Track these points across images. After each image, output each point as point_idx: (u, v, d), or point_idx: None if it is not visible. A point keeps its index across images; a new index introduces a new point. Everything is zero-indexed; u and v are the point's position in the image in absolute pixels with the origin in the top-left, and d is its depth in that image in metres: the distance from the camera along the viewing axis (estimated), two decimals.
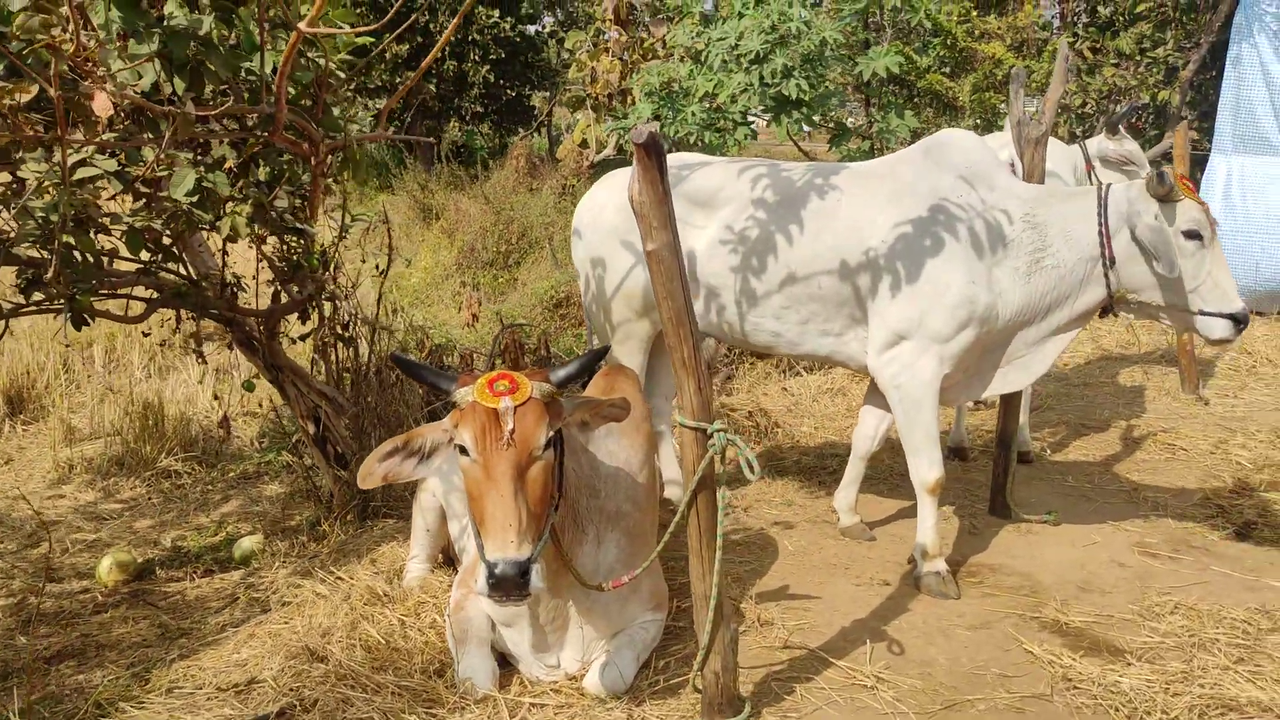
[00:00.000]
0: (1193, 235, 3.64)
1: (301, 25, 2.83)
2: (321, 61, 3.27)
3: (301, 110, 3.27)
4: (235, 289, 4.51)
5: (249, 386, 4.62)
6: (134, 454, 5.93)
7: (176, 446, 6.11)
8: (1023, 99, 4.27)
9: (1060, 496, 4.82)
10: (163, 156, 2.99)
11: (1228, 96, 8.82)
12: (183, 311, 4.50)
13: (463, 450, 2.69)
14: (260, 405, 6.91)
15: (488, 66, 19.10)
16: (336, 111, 3.49)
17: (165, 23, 2.92)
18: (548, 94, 22.72)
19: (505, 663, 3.23)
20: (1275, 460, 5.21)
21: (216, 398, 5.94)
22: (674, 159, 4.42)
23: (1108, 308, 3.85)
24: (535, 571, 2.57)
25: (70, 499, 5.48)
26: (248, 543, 4.65)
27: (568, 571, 2.95)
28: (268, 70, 3.15)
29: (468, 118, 20.18)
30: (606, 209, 4.40)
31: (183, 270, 4.12)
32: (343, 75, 3.46)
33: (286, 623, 3.61)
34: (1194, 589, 3.86)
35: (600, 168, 17.25)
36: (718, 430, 2.66)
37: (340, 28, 3.44)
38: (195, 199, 3.31)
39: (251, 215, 3.46)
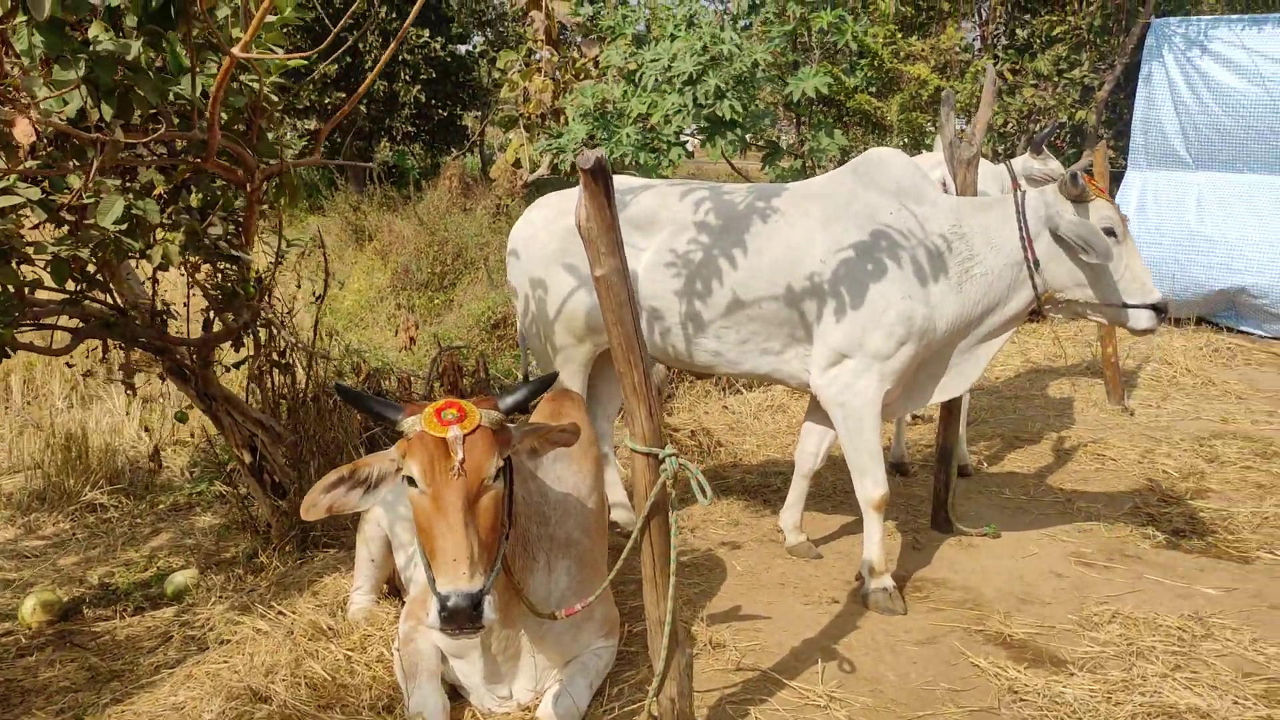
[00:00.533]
0: (1108, 233, 3.78)
1: (235, 50, 2.78)
2: (255, 86, 3.21)
3: (235, 135, 3.20)
4: (165, 317, 4.40)
5: (181, 417, 4.50)
6: (56, 488, 5.73)
7: (102, 479, 5.92)
8: (953, 120, 4.36)
9: (998, 509, 4.91)
10: (90, 184, 2.89)
11: (1140, 114, 9.15)
12: (110, 341, 4.37)
13: (411, 481, 2.64)
14: (191, 435, 6.74)
15: (419, 86, 18.98)
16: (271, 136, 3.42)
17: (91, 47, 2.84)
18: (479, 114, 22.65)
19: (456, 695, 3.18)
20: (1199, 469, 5.38)
21: (146, 429, 5.77)
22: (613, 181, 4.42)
23: (1037, 310, 3.97)
24: (488, 603, 2.54)
25: None
26: (180, 578, 4.52)
27: (519, 601, 2.91)
28: (197, 94, 3.08)
29: (399, 138, 20.01)
30: (545, 230, 4.38)
31: (110, 299, 4.01)
32: (276, 99, 3.40)
33: (226, 661, 3.50)
34: (1129, 598, 3.95)
35: (534, 187, 17.23)
36: (669, 455, 2.65)
37: (273, 51, 3.39)
38: (124, 227, 3.22)
39: (184, 243, 3.37)
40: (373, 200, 16.03)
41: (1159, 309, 3.79)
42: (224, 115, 3.25)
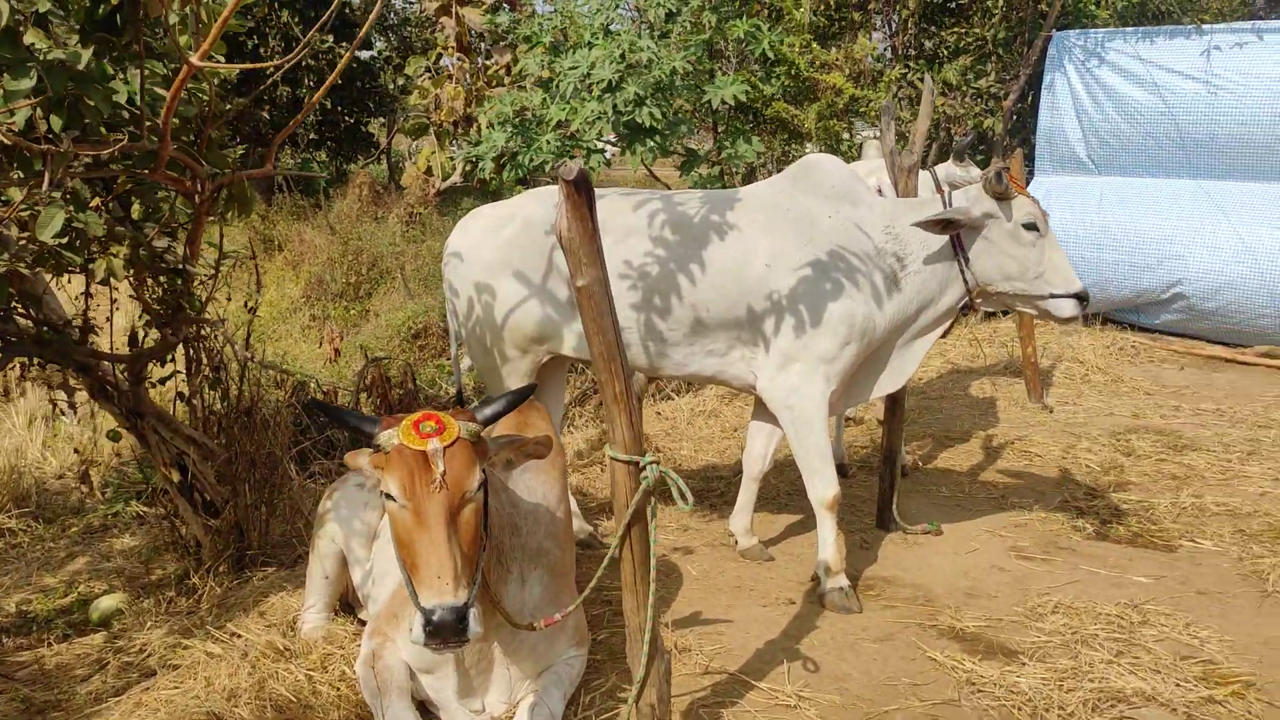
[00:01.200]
0: (1030, 227, 3.95)
1: (194, 58, 2.70)
2: (204, 95, 3.12)
3: (185, 146, 3.11)
4: (87, 333, 4.24)
5: (114, 436, 4.33)
6: None
7: (9, 502, 5.67)
8: (893, 129, 4.48)
9: (937, 507, 5.05)
10: (42, 196, 2.78)
11: (1044, 122, 9.52)
12: (34, 359, 4.19)
13: (389, 496, 2.60)
14: (103, 455, 6.48)
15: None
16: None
17: (40, 57, 2.72)
18: (384, 121, 22.30)
19: (425, 711, 3.13)
20: (1119, 463, 5.61)
21: (77, 451, 5.53)
22: (544, 192, 4.45)
23: (968, 304, 4.12)
24: (473, 615, 2.51)
25: None
26: (107, 602, 4.36)
27: (495, 612, 2.89)
28: (144, 104, 2.98)
29: (303, 145, 19.56)
30: (487, 242, 4.34)
31: (33, 314, 3.85)
32: (226, 108, 3.31)
33: (177, 687, 3.39)
34: (1068, 588, 4.11)
35: (447, 196, 17.05)
36: (650, 462, 2.67)
37: (220, 60, 3.30)
38: (64, 240, 3.09)
39: (128, 257, 3.25)
40: (281, 209, 15.66)
41: (1081, 297, 3.98)
42: (174, 123, 3.15)
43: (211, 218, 3.49)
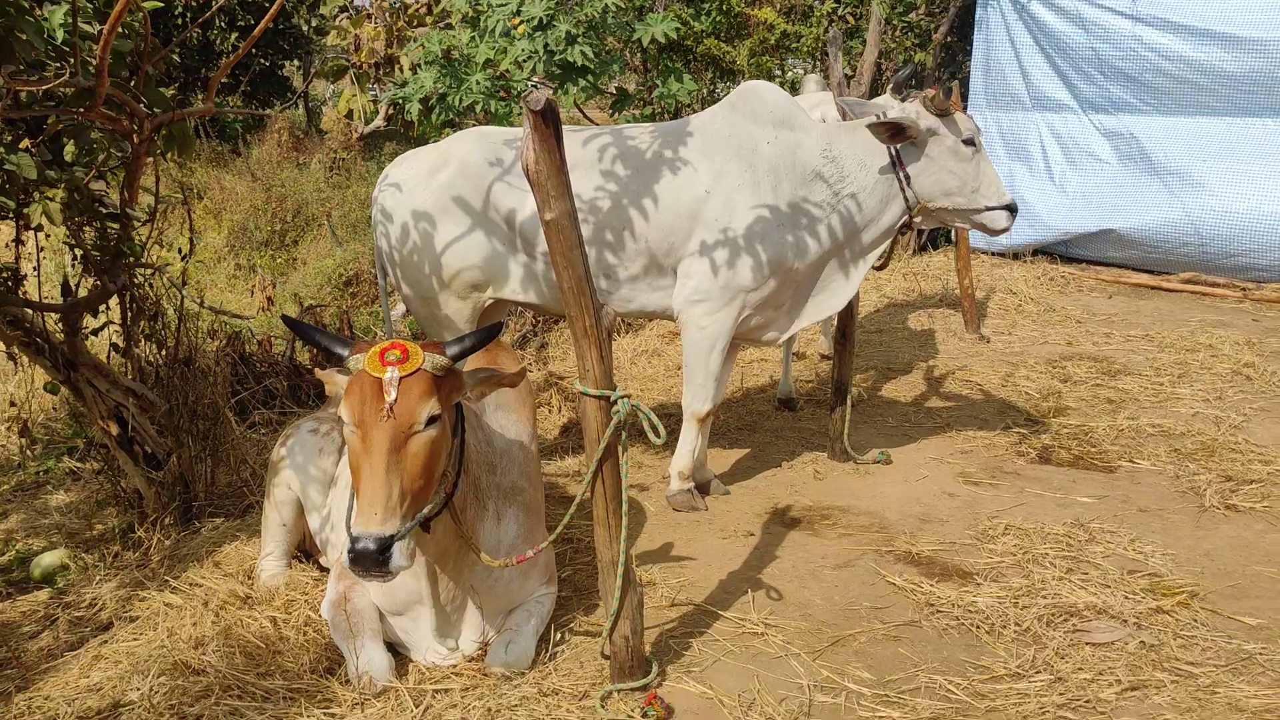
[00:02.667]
0: (969, 142, 4.07)
1: None
2: (139, 28, 2.97)
3: (122, 83, 2.96)
4: (10, 282, 4.06)
5: (52, 389, 4.17)
6: None
7: None
8: (840, 61, 4.47)
9: (884, 437, 5.14)
10: None
11: (978, 57, 9.58)
12: None
13: (342, 420, 2.57)
14: (32, 411, 6.26)
15: (235, 34, 17.89)
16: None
17: None
18: (299, 64, 21.59)
19: (394, 653, 3.11)
20: (1056, 389, 5.77)
21: (14, 404, 5.33)
22: (475, 132, 4.36)
23: (907, 223, 4.20)
24: (398, 549, 2.47)
25: None
26: (49, 558, 4.25)
27: (469, 550, 2.87)
28: (77, 38, 2.82)
29: (217, 90, 18.86)
30: (421, 186, 4.25)
31: None
32: (159, 44, 3.15)
33: (137, 638, 3.32)
34: (1016, 511, 4.23)
35: (370, 140, 16.63)
36: (621, 397, 2.66)
37: None
38: None
39: (65, 200, 3.10)
40: (199, 156, 15.11)
41: (1012, 208, 4.13)
42: (109, 60, 2.99)
43: (149, 159, 3.34)
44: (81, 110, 2.86)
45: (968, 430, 5.17)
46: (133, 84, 2.99)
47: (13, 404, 5.27)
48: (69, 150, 3.32)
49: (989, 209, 4.08)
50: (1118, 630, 3.29)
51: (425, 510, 2.57)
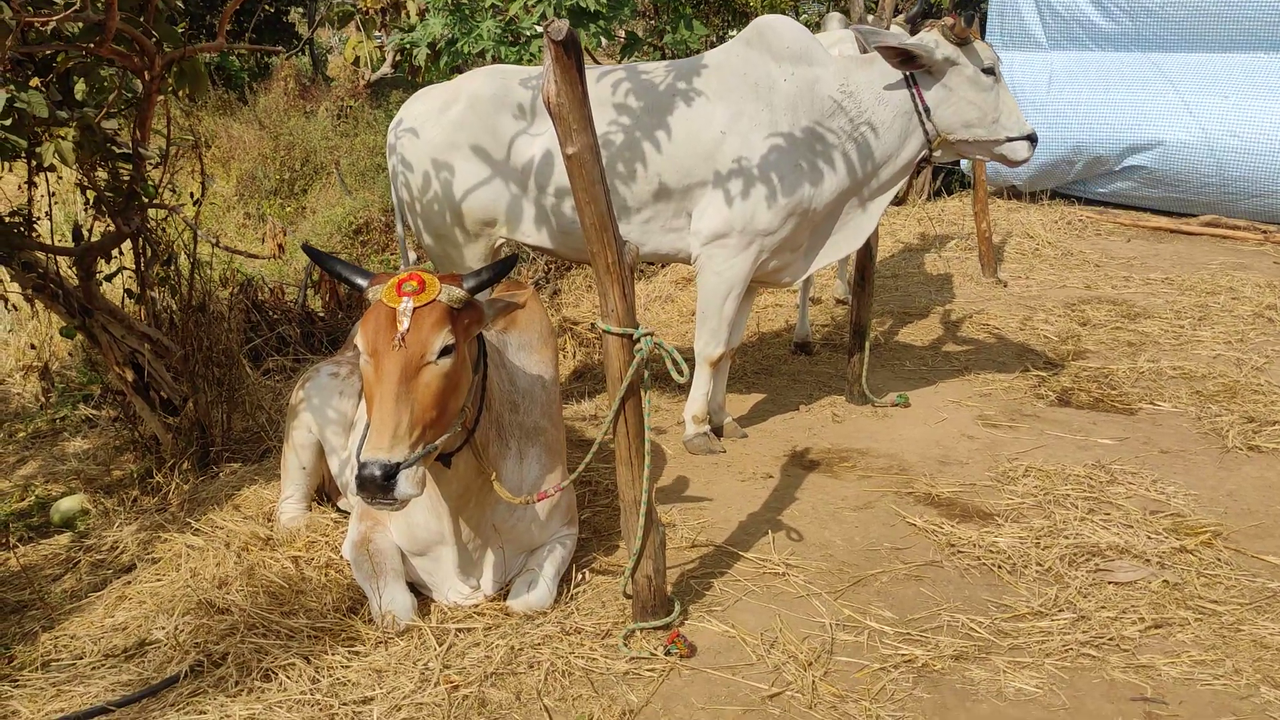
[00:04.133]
0: (989, 71, 4.00)
1: None
2: None
3: (133, 17, 2.90)
4: (26, 226, 4.03)
5: (68, 333, 4.16)
6: None
7: None
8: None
9: (903, 380, 5.10)
10: None
11: None
12: None
13: (359, 348, 2.57)
14: (40, 358, 6.27)
15: None
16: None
17: None
18: (303, 10, 21.31)
19: (416, 593, 3.12)
20: (1075, 332, 5.71)
21: (33, 347, 5.33)
22: (487, 69, 4.30)
23: (926, 158, 4.13)
24: (404, 477, 2.46)
25: None
26: (68, 503, 4.28)
27: (491, 489, 2.87)
28: None
29: (219, 37, 18.65)
30: (433, 123, 4.21)
31: None
32: None
33: (160, 579, 3.34)
34: (1037, 453, 4.20)
35: (377, 87, 16.44)
36: (644, 335, 2.63)
37: None
38: (7, 123, 2.89)
39: (78, 140, 3.05)
40: (206, 104, 14.96)
41: (1033, 138, 4.06)
42: None
43: (162, 97, 3.28)
44: (91, 46, 2.80)
45: (986, 373, 5.13)
46: (142, 20, 2.93)
47: (33, 347, 5.26)
48: (80, 89, 3.26)
49: (1010, 140, 4.01)
50: (1140, 569, 3.28)
51: (439, 442, 2.56)
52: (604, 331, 2.66)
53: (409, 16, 13.80)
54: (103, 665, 2.85)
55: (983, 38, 9.06)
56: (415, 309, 2.53)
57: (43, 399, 5.39)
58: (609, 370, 2.70)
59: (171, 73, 3.20)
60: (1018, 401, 4.79)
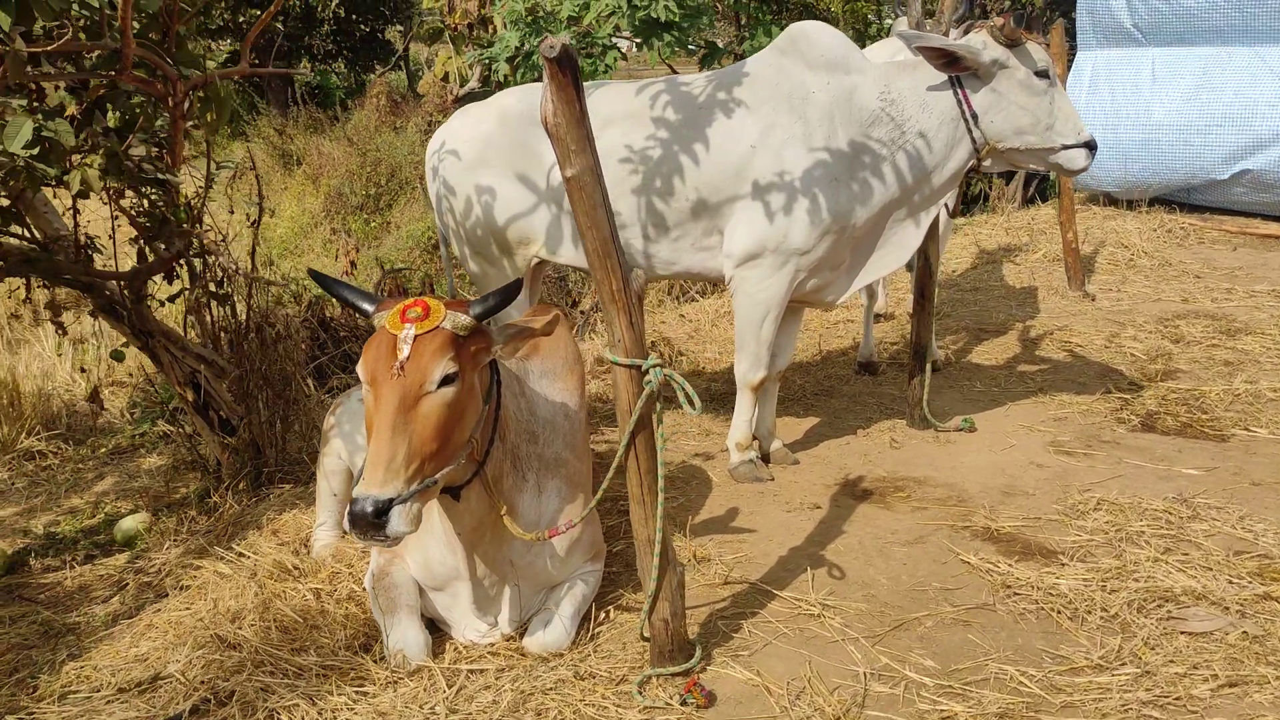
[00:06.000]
0: (1043, 74, 3.74)
1: None
2: None
3: (152, 45, 2.88)
4: (90, 250, 4.09)
5: (118, 356, 4.22)
6: None
7: (37, 425, 5.66)
8: (919, 2, 4.15)
9: (971, 403, 4.83)
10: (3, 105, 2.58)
11: None
12: (33, 280, 4.06)
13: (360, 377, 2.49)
14: (130, 374, 6.43)
15: (337, 1, 18.10)
16: (191, 45, 3.10)
17: None
18: (402, 28, 21.76)
19: (435, 629, 3.03)
20: (1166, 350, 5.35)
21: (83, 370, 5.47)
22: (526, 87, 4.23)
23: (974, 168, 3.89)
24: (397, 514, 2.33)
25: None
26: (129, 522, 4.33)
27: (505, 523, 2.75)
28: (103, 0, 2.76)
29: (320, 56, 19.17)
30: (464, 139, 4.16)
31: (28, 233, 3.70)
32: (189, 6, 3.06)
33: (188, 608, 3.32)
34: (1112, 484, 3.90)
35: (465, 101, 16.65)
36: (653, 366, 2.48)
37: None
38: (35, 152, 2.91)
39: (104, 167, 3.06)
40: (298, 123, 15.37)
41: (1091, 146, 3.79)
42: (136, 23, 2.93)
43: (191, 123, 3.28)
44: (113, 73, 2.79)
45: (1063, 395, 4.82)
46: (165, 46, 2.91)
47: (83, 369, 5.39)
48: (112, 116, 3.28)
49: (1065, 147, 3.75)
50: (1217, 619, 2.98)
51: (439, 476, 2.45)
52: (612, 363, 2.52)
53: (494, 31, 13.93)
54: (115, 699, 2.82)
55: (1073, 36, 8.67)
56: (417, 336, 2.44)
57: (107, 415, 5.50)
58: (618, 403, 2.56)
59: (196, 99, 3.19)
60: (1096, 426, 4.47)
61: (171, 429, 5.51)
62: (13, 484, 5.12)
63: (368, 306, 2.61)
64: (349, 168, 12.88)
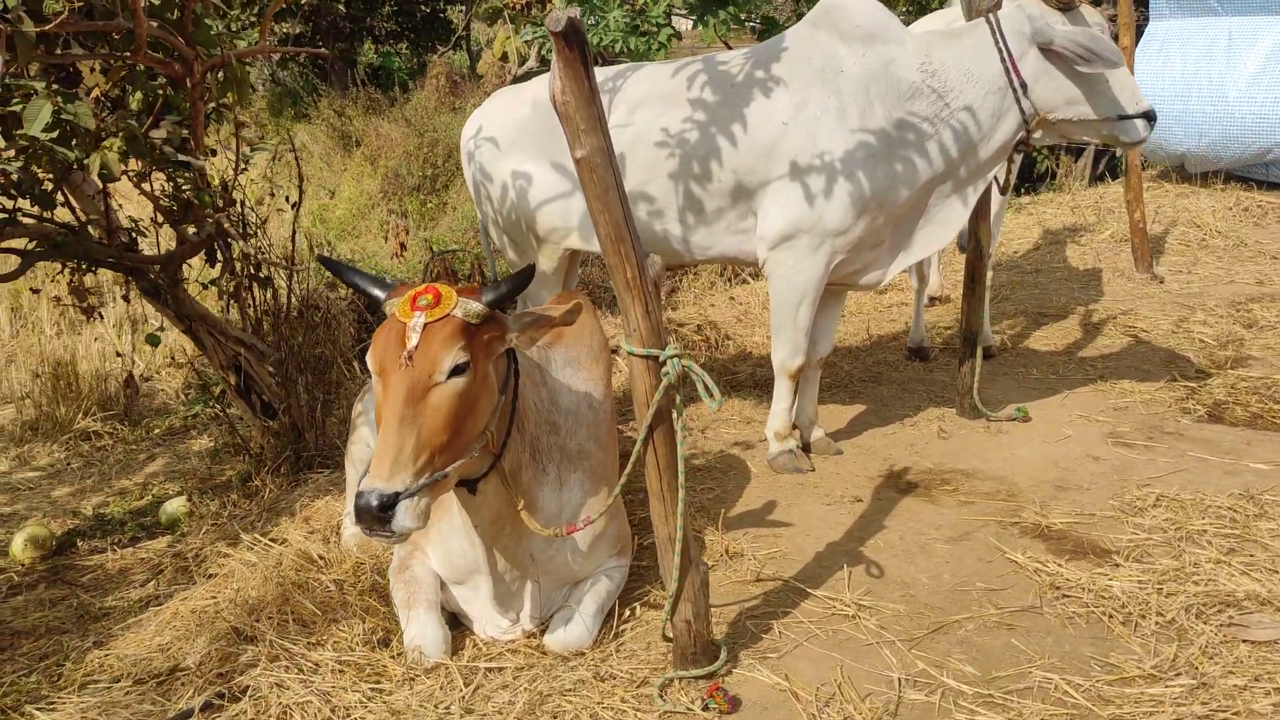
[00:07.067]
0: None
1: None
2: None
3: (167, 24, 2.83)
4: (135, 234, 4.10)
5: (154, 341, 4.23)
6: (48, 417, 5.54)
7: (94, 406, 5.73)
8: None
9: (1026, 391, 4.63)
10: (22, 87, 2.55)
11: None
12: (73, 263, 4.08)
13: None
14: (186, 354, 6.50)
15: None
16: (210, 24, 3.04)
17: None
18: (463, 8, 21.75)
19: (457, 623, 2.96)
20: (1238, 335, 5.07)
21: (119, 355, 5.53)
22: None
23: (1023, 140, 3.69)
24: (404, 509, 2.25)
25: None
26: (173, 505, 4.36)
27: (523, 518, 2.66)
28: None
29: (382, 37, 19.24)
30: (494, 122, 4.09)
31: (61, 216, 3.70)
32: None
33: (213, 597, 3.29)
34: (1173, 478, 3.69)
35: (523, 81, 16.59)
36: (671, 356, 2.37)
37: None
38: (55, 134, 2.89)
39: (124, 149, 3.02)
40: (358, 104, 15.43)
41: (1151, 117, 3.58)
42: (153, 1, 2.88)
43: (211, 105, 3.23)
44: (127, 54, 2.75)
45: (1125, 383, 4.59)
46: (180, 26, 2.86)
47: (119, 354, 5.43)
48: (135, 98, 3.25)
49: (1122, 118, 3.54)
50: None
51: (450, 470, 2.36)
52: (628, 353, 2.41)
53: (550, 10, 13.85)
54: (133, 691, 2.80)
55: (1142, 5, 8.28)
56: (426, 324, 2.35)
57: (168, 394, 5.54)
58: (635, 396, 2.45)
59: (216, 79, 3.13)
60: (1158, 416, 4.25)
61: (219, 412, 5.56)
62: (68, 464, 5.20)
63: (379, 293, 2.53)
64: (406, 149, 12.87)
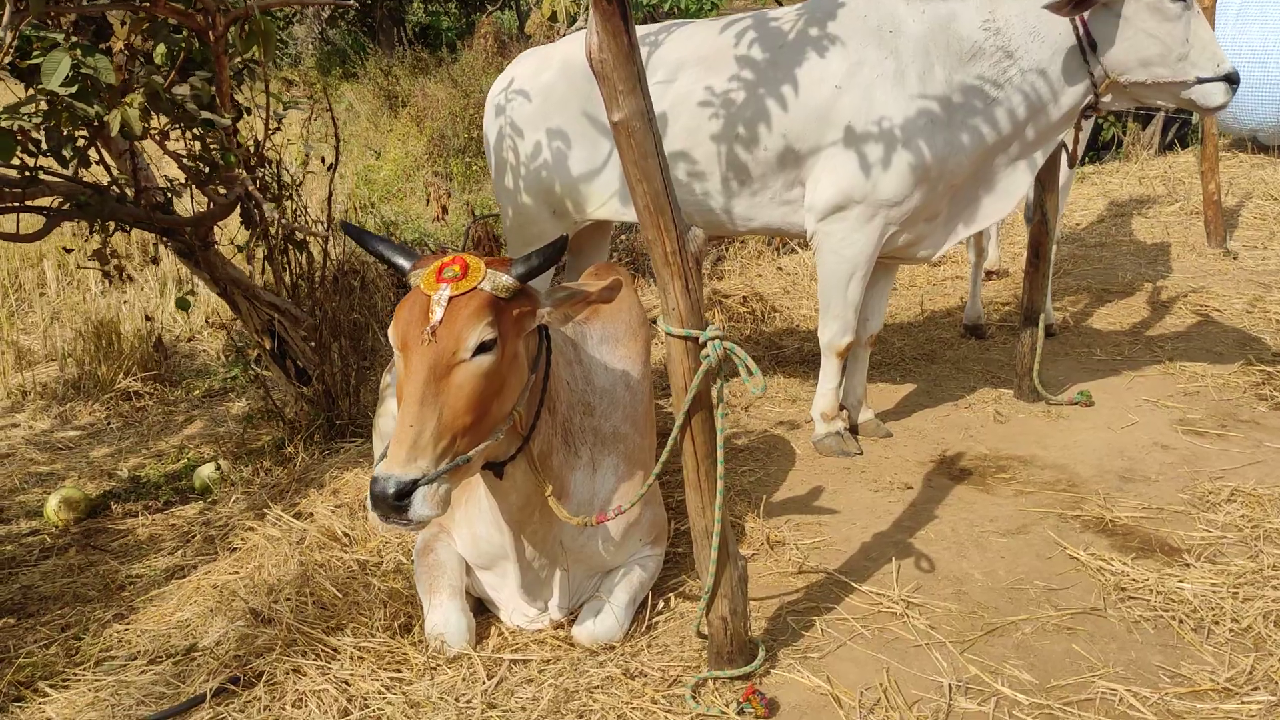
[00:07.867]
0: None
1: None
2: None
3: None
4: (170, 194, 3.99)
5: (183, 304, 4.13)
6: (90, 376, 5.51)
7: (135, 366, 5.69)
8: None
9: (1089, 373, 4.39)
10: (13, 36, 2.42)
11: None
12: (102, 223, 3.98)
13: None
14: (222, 317, 6.45)
15: None
16: None
17: None
18: None
19: (482, 609, 2.84)
20: None
21: (148, 319, 5.47)
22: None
23: (1091, 105, 3.46)
24: (421, 497, 2.10)
25: (24, 428, 5.08)
26: (206, 471, 4.29)
27: (553, 503, 2.52)
28: None
29: None
30: (537, 80, 3.91)
31: (103, 175, 3.60)
32: None
33: (236, 572, 3.20)
34: (1249, 470, 3.47)
35: None
36: (711, 338, 2.19)
37: None
38: (74, 89, 2.77)
39: (145, 105, 2.89)
40: (404, 63, 15.30)
41: (1234, 79, 3.33)
42: None
43: (237, 59, 3.09)
44: (146, 4, 2.61)
45: (1195, 366, 4.34)
46: None
47: (148, 318, 5.37)
48: (159, 52, 3.11)
49: (1200, 81, 3.29)
50: None
51: (473, 454, 2.21)
52: (665, 333, 2.24)
53: None
54: (148, 670, 2.71)
55: None
56: (452, 298, 2.20)
57: (210, 355, 5.48)
58: (673, 379, 2.28)
59: (239, 32, 2.99)
60: (1232, 403, 4.00)
61: (254, 375, 5.51)
62: (108, 423, 5.16)
63: (404, 263, 2.38)
64: (452, 110, 12.73)
